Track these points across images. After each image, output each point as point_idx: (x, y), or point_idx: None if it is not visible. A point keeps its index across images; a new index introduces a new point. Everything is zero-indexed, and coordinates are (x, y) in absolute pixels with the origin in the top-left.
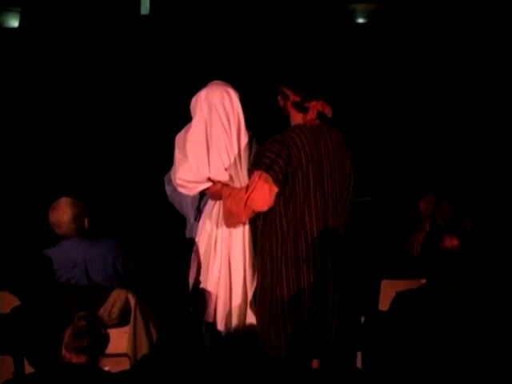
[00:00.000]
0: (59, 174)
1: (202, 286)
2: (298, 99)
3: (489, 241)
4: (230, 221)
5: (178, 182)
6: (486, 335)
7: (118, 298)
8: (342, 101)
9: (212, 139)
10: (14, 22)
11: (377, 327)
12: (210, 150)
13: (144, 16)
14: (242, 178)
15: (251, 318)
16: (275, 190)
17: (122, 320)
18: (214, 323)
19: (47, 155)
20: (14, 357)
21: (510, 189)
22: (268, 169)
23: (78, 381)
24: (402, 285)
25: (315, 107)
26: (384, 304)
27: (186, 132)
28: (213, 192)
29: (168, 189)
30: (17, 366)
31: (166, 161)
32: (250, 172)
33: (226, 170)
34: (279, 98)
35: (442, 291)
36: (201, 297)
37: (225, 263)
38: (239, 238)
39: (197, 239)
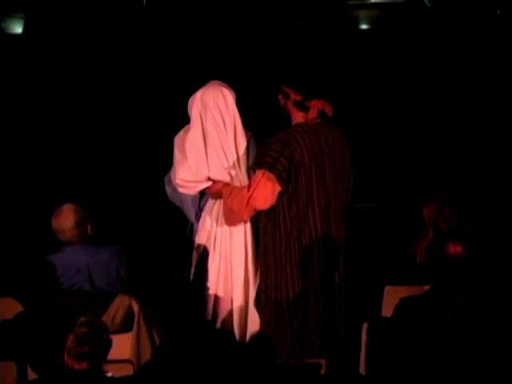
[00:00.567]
0: (62, 181)
1: (201, 284)
2: (299, 98)
3: (492, 247)
4: (231, 219)
5: (178, 182)
6: (489, 341)
7: (121, 303)
8: (345, 107)
9: (209, 139)
10: (18, 28)
11: (380, 333)
12: (208, 150)
13: (145, 19)
14: (241, 177)
15: (254, 317)
16: (278, 188)
17: (126, 326)
18: (213, 321)
19: (50, 161)
20: (17, 363)
21: None
22: (271, 168)
23: None
24: (405, 291)
25: (316, 106)
26: (387, 310)
27: (185, 132)
28: (213, 191)
29: (168, 189)
30: (20, 372)
31: (166, 163)
32: (253, 171)
33: (224, 169)
34: (280, 97)
35: (446, 297)
36: (201, 295)
37: (224, 261)
38: (240, 236)
39: (197, 238)
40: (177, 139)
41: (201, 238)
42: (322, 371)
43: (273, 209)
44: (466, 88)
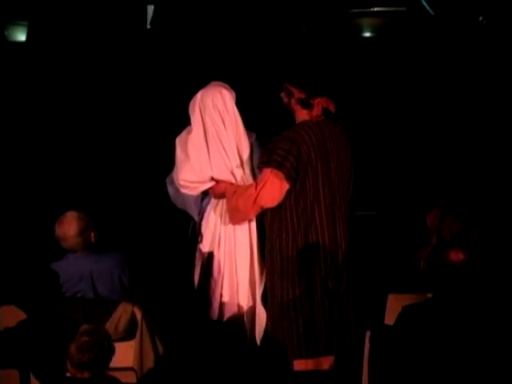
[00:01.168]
0: (65, 188)
1: (206, 283)
2: (303, 96)
3: (495, 254)
4: (237, 218)
5: (181, 182)
6: (492, 349)
7: (124, 311)
8: (349, 114)
9: (211, 139)
10: (22, 36)
11: (383, 341)
12: (210, 150)
13: (150, 29)
14: (244, 177)
15: (260, 314)
16: (286, 186)
17: (129, 334)
18: (219, 321)
19: (53, 168)
20: (20, 370)
21: None
22: (279, 166)
23: None
24: (408, 299)
25: (320, 103)
26: (390, 318)
27: (188, 133)
28: (216, 191)
29: (170, 190)
30: (23, 380)
31: (168, 165)
32: (259, 169)
33: (227, 168)
34: (283, 95)
35: (449, 305)
36: (205, 295)
37: (229, 260)
38: (244, 234)
39: (200, 239)
40: (179, 140)
41: (204, 238)
42: (329, 367)
43: (279, 207)
44: (468, 95)
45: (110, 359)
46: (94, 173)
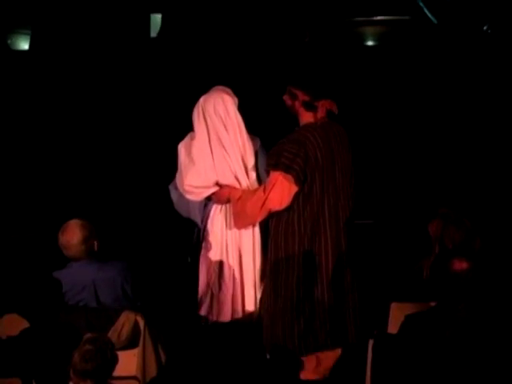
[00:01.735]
0: (67, 197)
1: (214, 288)
2: (307, 98)
3: (498, 263)
4: (242, 222)
5: (186, 188)
6: (495, 358)
7: (127, 320)
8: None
9: (214, 144)
10: (24, 45)
11: (386, 350)
12: (214, 155)
13: (154, 38)
14: (248, 181)
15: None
16: (295, 189)
17: (131, 342)
18: (227, 324)
19: (56, 177)
20: (22, 379)
21: None
22: (288, 169)
23: None
24: (411, 308)
25: (324, 105)
26: (393, 327)
27: (191, 138)
28: (220, 196)
29: (174, 196)
30: None
31: (171, 174)
32: (267, 173)
33: (231, 173)
34: (286, 98)
35: (452, 314)
36: (213, 299)
37: (237, 264)
38: (249, 238)
39: (205, 244)
40: (183, 146)
41: (209, 243)
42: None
43: (287, 209)
44: (470, 103)
45: (113, 368)
46: (97, 181)
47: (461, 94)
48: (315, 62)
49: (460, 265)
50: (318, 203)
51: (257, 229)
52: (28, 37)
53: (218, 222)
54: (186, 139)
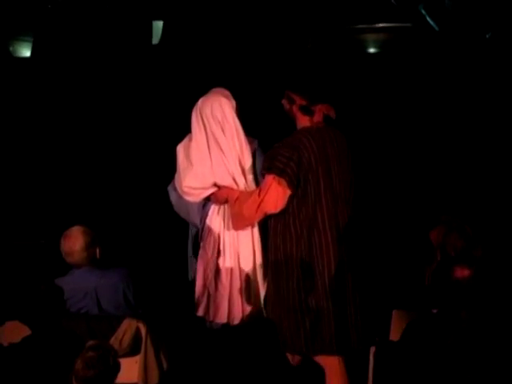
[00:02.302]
0: (68, 204)
1: (211, 288)
2: (304, 103)
3: (500, 270)
4: (240, 223)
5: (185, 189)
6: (497, 365)
7: (128, 327)
8: (354, 130)
9: (212, 146)
10: (26, 52)
11: (388, 357)
12: (212, 157)
13: (155, 45)
14: (245, 183)
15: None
16: (288, 192)
17: (133, 349)
18: (228, 324)
19: (56, 184)
20: None
21: None
22: (281, 172)
23: None
24: (413, 315)
25: (321, 110)
26: (395, 334)
27: (190, 140)
28: (219, 197)
29: (173, 198)
30: None
31: (169, 174)
32: (262, 176)
33: (229, 174)
34: (284, 102)
35: (454, 321)
36: (210, 299)
37: (235, 265)
38: (248, 239)
39: (203, 244)
40: (181, 147)
41: (207, 244)
42: (337, 368)
43: (283, 212)
44: (473, 111)
45: (115, 375)
46: (98, 187)
47: (463, 101)
48: (313, 67)
49: (462, 272)
50: (313, 207)
51: (256, 229)
52: (30, 44)
53: (216, 223)
54: (185, 141)
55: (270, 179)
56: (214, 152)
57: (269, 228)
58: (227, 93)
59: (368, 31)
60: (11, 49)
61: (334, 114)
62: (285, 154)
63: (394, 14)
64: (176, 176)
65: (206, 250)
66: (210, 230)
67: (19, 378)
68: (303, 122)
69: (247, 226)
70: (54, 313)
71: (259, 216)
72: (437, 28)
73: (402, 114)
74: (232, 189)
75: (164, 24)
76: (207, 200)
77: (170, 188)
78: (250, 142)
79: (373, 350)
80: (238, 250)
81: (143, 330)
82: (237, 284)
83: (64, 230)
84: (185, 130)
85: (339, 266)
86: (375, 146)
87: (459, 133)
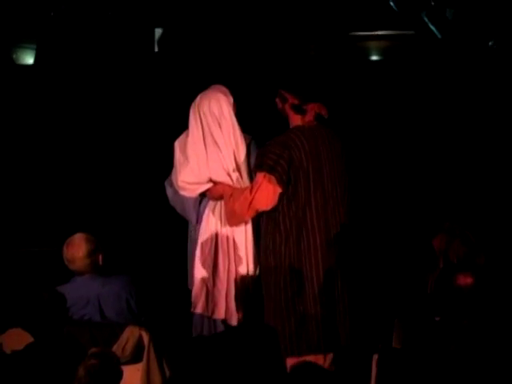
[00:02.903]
0: (70, 211)
1: (209, 285)
2: (296, 102)
3: (502, 278)
4: (233, 220)
5: (180, 184)
6: (500, 373)
7: (131, 334)
8: (355, 138)
9: (208, 142)
10: (29, 59)
11: (390, 365)
12: (208, 152)
13: (158, 53)
14: (241, 179)
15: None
16: (279, 190)
17: (136, 357)
18: (226, 320)
19: (60, 191)
20: None
21: None
22: (271, 170)
23: None
24: (415, 323)
25: (313, 109)
26: (397, 342)
27: (187, 136)
28: (214, 193)
29: (169, 193)
30: None
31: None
32: (254, 173)
33: (224, 170)
34: (277, 100)
35: (456, 329)
36: (208, 296)
37: (231, 260)
38: (242, 236)
39: (199, 240)
40: (178, 143)
41: (203, 239)
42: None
43: (274, 210)
44: (476, 119)
45: (118, 383)
46: (100, 195)
47: (466, 108)
48: (306, 67)
49: (464, 280)
50: (303, 205)
51: (249, 226)
52: (33, 51)
53: (212, 219)
54: (182, 136)
55: (260, 177)
56: (210, 148)
57: (260, 226)
58: (225, 89)
59: (370, 38)
60: (14, 56)
61: (327, 112)
62: (275, 152)
63: (396, 21)
64: (173, 171)
65: (203, 246)
66: (206, 226)
67: None
68: (295, 120)
69: (240, 222)
70: (57, 320)
71: (251, 213)
72: (439, 35)
73: (405, 121)
74: (227, 185)
75: (163, 30)
76: (203, 196)
77: (166, 183)
78: (245, 139)
79: (375, 357)
80: (235, 247)
81: (146, 338)
82: (234, 280)
83: (67, 237)
84: (183, 127)
85: (328, 264)
86: (378, 153)
87: (462, 140)
